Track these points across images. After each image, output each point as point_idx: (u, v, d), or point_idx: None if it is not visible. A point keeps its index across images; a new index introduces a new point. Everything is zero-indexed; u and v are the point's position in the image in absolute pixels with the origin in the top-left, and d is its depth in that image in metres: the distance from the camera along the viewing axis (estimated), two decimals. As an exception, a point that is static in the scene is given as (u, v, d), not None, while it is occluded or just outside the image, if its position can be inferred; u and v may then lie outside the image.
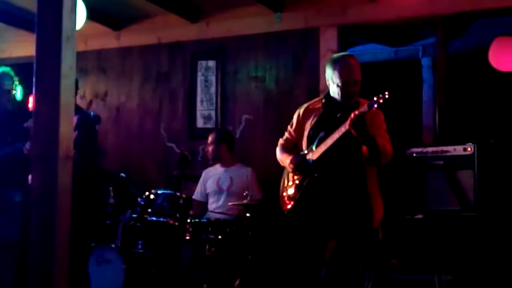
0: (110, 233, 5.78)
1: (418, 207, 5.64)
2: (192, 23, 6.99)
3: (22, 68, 7.51)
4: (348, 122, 3.92)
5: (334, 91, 4.23)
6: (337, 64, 4.21)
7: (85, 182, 5.06)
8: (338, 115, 4.18)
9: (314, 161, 4.18)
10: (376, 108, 3.90)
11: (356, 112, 3.89)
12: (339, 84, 4.17)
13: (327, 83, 4.32)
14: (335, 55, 4.41)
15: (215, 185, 6.23)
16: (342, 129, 3.99)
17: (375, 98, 3.89)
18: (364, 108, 3.92)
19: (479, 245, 5.33)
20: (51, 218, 3.13)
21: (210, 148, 6.32)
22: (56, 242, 3.12)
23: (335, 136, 4.04)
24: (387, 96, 3.85)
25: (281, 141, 4.59)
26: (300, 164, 4.23)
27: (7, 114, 5.53)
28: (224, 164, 6.30)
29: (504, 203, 5.65)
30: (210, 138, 6.34)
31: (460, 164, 5.56)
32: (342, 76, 4.16)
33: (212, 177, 6.30)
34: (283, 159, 4.44)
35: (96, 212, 5.62)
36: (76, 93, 5.49)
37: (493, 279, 5.29)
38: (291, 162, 4.28)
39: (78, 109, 5.38)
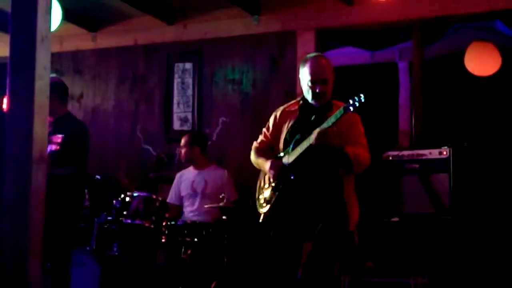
0: (85, 236, 5.74)
1: (394, 210, 5.67)
2: (169, 25, 6.97)
3: (-4, 69, 7.45)
4: (312, 138, 3.98)
5: (305, 91, 4.28)
6: (307, 62, 4.30)
7: (66, 190, 5.05)
8: (313, 117, 4.20)
9: (289, 163, 4.19)
10: (352, 111, 3.92)
11: (319, 129, 3.94)
12: (309, 83, 4.22)
13: (301, 84, 4.35)
14: (308, 55, 4.46)
15: (189, 188, 6.21)
16: (307, 143, 4.04)
17: (350, 101, 3.91)
18: (327, 123, 3.96)
19: (454, 248, 5.37)
20: (25, 220, 3.10)
21: (183, 151, 6.30)
22: (30, 243, 3.09)
23: (305, 144, 4.09)
24: (362, 99, 3.87)
25: (255, 144, 4.58)
26: (280, 170, 4.23)
27: None
28: (198, 167, 6.28)
29: (478, 206, 5.69)
30: (182, 141, 6.31)
31: (435, 168, 5.60)
32: (310, 74, 4.23)
33: (186, 180, 6.27)
34: (260, 163, 4.43)
35: (73, 215, 5.58)
36: (66, 100, 5.48)
37: (468, 282, 5.33)
38: (271, 168, 4.27)
39: (72, 119, 5.39)
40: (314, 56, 4.36)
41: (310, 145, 4.02)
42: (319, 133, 3.96)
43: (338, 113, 3.96)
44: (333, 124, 3.97)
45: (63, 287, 5.04)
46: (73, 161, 5.20)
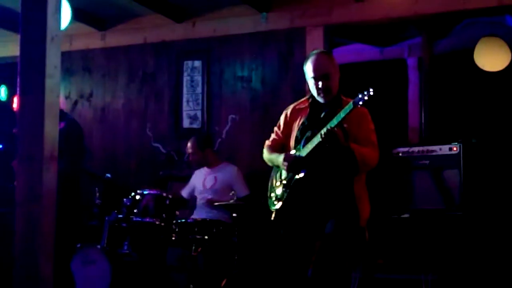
0: (95, 234, 5.75)
1: (405, 207, 5.66)
2: (178, 23, 6.97)
3: (6, 68, 7.49)
4: (320, 136, 3.99)
5: (311, 88, 4.29)
6: (309, 59, 4.31)
7: (68, 187, 5.04)
8: (323, 114, 4.20)
9: (302, 157, 4.19)
10: (361, 105, 3.91)
11: (328, 128, 3.94)
12: (312, 79, 4.26)
13: (307, 82, 4.36)
14: (310, 53, 4.46)
15: (200, 185, 6.22)
16: (317, 139, 4.05)
17: (359, 95, 3.91)
18: (337, 118, 3.95)
19: (465, 244, 5.36)
20: (36, 218, 3.11)
21: (196, 157, 6.27)
22: (41, 241, 3.11)
23: (315, 140, 4.09)
24: (371, 93, 3.86)
25: (268, 142, 4.58)
26: (294, 162, 4.22)
27: None
28: (210, 165, 6.28)
29: (489, 202, 5.68)
30: (191, 146, 6.27)
31: (446, 164, 5.59)
32: (312, 70, 4.25)
33: (199, 178, 6.29)
34: (273, 158, 4.42)
35: (81, 213, 5.60)
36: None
37: (479, 278, 5.32)
38: (285, 159, 4.26)
39: (63, 115, 5.35)
40: (316, 53, 4.37)
41: (320, 142, 4.02)
42: (327, 131, 3.96)
43: (347, 107, 3.95)
44: (343, 119, 3.96)
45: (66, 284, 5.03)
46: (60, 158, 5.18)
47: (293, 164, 4.20)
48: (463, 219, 5.42)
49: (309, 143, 4.15)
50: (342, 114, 3.96)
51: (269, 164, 4.49)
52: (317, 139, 4.06)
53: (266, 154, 4.52)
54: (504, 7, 5.84)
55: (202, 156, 6.25)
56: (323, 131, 3.98)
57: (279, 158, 4.29)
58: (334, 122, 3.98)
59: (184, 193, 6.36)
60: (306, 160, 4.15)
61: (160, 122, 7.11)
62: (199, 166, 6.33)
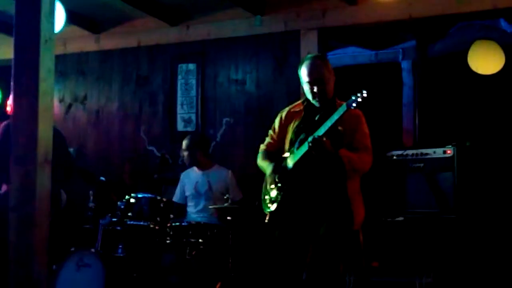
0: (90, 237, 5.74)
1: (399, 209, 5.67)
2: (172, 26, 6.97)
3: (0, 71, 7.47)
4: (308, 144, 4.00)
5: (306, 92, 4.30)
6: (303, 63, 4.33)
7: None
8: (317, 117, 4.21)
9: (294, 163, 4.19)
10: (354, 108, 3.92)
11: (314, 137, 3.95)
12: (307, 84, 4.27)
13: (302, 86, 4.38)
14: (305, 57, 4.47)
15: (193, 189, 6.20)
16: (305, 148, 4.07)
17: (352, 98, 3.91)
18: (331, 120, 3.96)
19: (459, 247, 5.36)
20: (30, 221, 3.10)
21: (185, 154, 6.28)
22: (35, 245, 3.10)
23: (303, 149, 4.10)
24: (364, 95, 3.87)
25: (262, 146, 4.58)
26: (282, 174, 4.24)
27: None
28: (202, 168, 6.27)
29: (483, 205, 5.69)
30: (184, 145, 6.29)
31: (440, 167, 5.60)
32: (307, 74, 4.27)
33: (190, 180, 6.26)
34: (265, 166, 4.44)
35: (74, 216, 5.57)
36: None
37: (473, 281, 5.32)
38: (273, 172, 4.28)
39: None
40: (310, 57, 4.39)
41: (307, 150, 4.04)
42: (313, 140, 3.98)
43: (340, 109, 3.96)
44: (337, 121, 3.97)
45: None
46: None
47: (281, 176, 4.23)
48: (457, 222, 5.42)
49: (298, 150, 4.16)
50: (335, 116, 3.97)
51: (261, 170, 4.50)
52: (304, 148, 4.08)
53: (259, 160, 4.53)
54: (498, 10, 5.86)
55: (191, 156, 6.25)
56: (310, 139, 4.00)
57: (268, 169, 4.33)
58: (321, 130, 3.99)
59: (177, 198, 6.34)
60: (293, 171, 4.16)
61: (154, 125, 7.11)
62: (190, 165, 6.32)
